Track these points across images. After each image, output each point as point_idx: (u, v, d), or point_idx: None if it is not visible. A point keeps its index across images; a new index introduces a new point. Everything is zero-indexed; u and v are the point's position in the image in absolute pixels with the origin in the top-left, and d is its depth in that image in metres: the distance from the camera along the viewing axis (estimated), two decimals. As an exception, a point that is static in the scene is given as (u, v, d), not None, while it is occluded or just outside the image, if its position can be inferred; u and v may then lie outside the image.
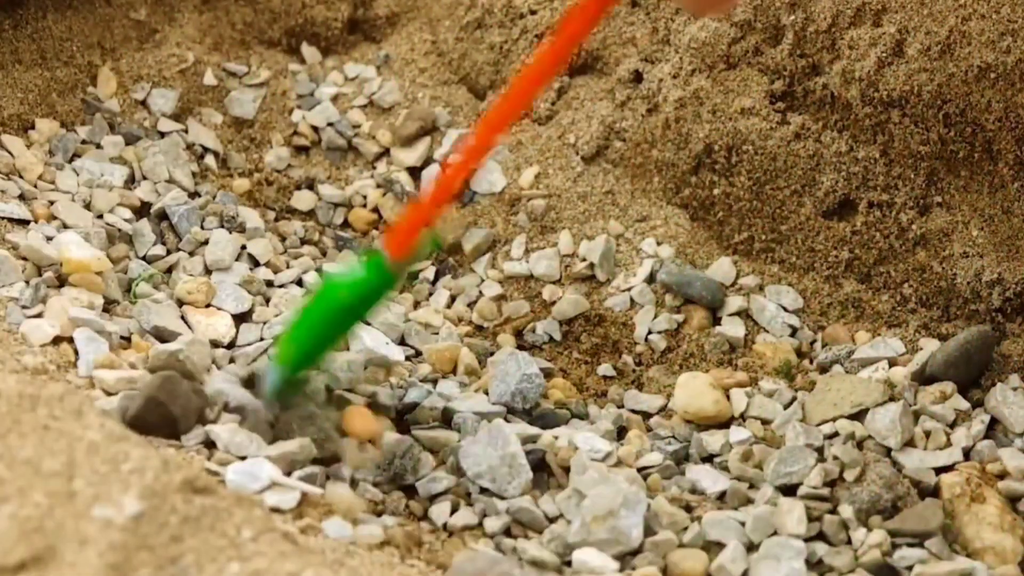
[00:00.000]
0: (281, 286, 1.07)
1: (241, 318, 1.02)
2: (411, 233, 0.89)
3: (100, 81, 1.16)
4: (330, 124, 1.19)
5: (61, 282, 0.99)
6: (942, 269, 1.02)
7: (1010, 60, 0.96)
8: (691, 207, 1.10)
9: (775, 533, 0.86)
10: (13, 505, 0.68)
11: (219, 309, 1.02)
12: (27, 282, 0.98)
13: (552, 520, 0.88)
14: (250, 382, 0.92)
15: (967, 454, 0.92)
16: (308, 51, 1.26)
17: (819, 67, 1.04)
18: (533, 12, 1.18)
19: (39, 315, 0.95)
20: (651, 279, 1.06)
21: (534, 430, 0.94)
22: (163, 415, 0.87)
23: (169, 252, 1.07)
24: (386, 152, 1.19)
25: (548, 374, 1.03)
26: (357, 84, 1.23)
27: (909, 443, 0.93)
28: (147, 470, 0.72)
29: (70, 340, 0.94)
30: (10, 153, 1.08)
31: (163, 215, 1.09)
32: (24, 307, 0.95)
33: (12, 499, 0.69)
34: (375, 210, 1.15)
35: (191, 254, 1.07)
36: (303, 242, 1.12)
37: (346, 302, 0.91)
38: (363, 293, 0.92)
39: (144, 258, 1.05)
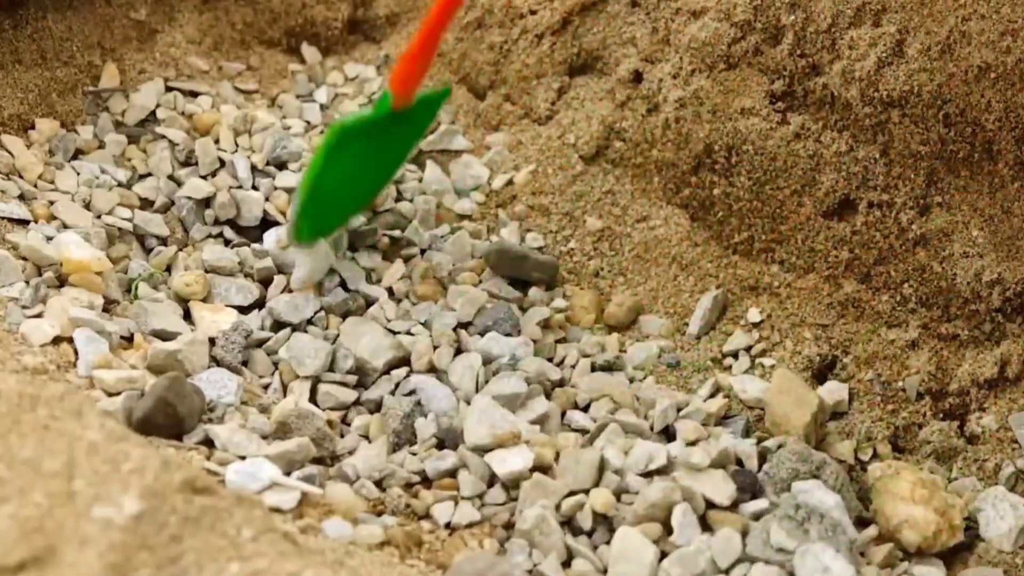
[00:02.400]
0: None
1: (249, 310, 1.03)
2: (410, 63, 0.93)
3: (105, 77, 1.16)
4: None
5: (61, 282, 0.99)
6: (942, 269, 1.02)
7: (1010, 60, 0.96)
8: (691, 207, 1.10)
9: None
10: (13, 505, 0.68)
11: (227, 306, 1.02)
12: (27, 282, 0.98)
13: None
14: None
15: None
16: (308, 51, 1.26)
17: (819, 67, 1.04)
18: (533, 12, 1.18)
19: (39, 315, 0.95)
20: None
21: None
22: (171, 416, 0.87)
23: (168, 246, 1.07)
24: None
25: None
26: (357, 84, 1.23)
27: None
28: (147, 470, 0.72)
29: (70, 340, 0.94)
30: (10, 153, 1.08)
31: (167, 210, 1.09)
32: (24, 307, 0.95)
33: (12, 499, 0.69)
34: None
35: (196, 247, 1.07)
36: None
37: (351, 131, 0.92)
38: (372, 126, 0.94)
39: (155, 246, 1.06)
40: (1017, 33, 0.95)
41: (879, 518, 0.92)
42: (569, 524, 0.89)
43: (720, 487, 0.90)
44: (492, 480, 0.91)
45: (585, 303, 1.08)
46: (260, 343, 1.00)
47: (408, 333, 1.03)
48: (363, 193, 1.03)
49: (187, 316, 1.01)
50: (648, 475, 0.91)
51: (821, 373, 1.04)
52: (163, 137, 1.13)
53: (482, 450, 0.92)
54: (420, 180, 1.16)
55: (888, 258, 1.04)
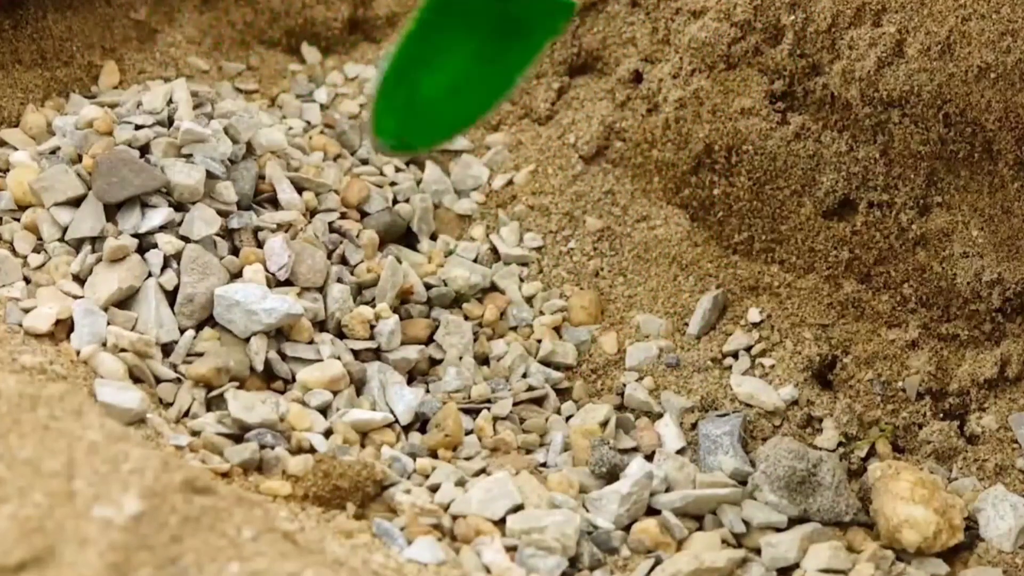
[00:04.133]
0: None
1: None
2: None
3: (104, 73, 1.16)
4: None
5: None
6: (942, 269, 1.02)
7: (1010, 60, 0.96)
8: (691, 207, 1.10)
9: None
10: (13, 505, 0.68)
11: None
12: (27, 280, 0.98)
13: None
14: None
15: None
16: (308, 51, 1.26)
17: (819, 67, 1.04)
18: (533, 12, 1.18)
19: (35, 307, 0.95)
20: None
21: None
22: None
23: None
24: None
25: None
26: (357, 84, 1.23)
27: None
28: (147, 470, 0.72)
29: (68, 336, 0.94)
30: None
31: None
32: (17, 299, 0.96)
33: (12, 499, 0.69)
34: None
35: None
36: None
37: None
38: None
39: None
40: (1017, 33, 0.95)
41: (879, 518, 0.92)
42: None
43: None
44: None
45: (585, 303, 1.08)
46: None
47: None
48: (472, 95, 0.78)
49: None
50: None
51: (821, 373, 1.04)
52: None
53: None
54: (419, 180, 1.16)
55: (888, 258, 1.04)
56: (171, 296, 0.98)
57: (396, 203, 1.13)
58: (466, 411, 0.99)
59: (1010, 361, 1.00)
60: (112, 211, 1.00)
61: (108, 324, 0.95)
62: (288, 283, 1.01)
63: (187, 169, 1.01)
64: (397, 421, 0.97)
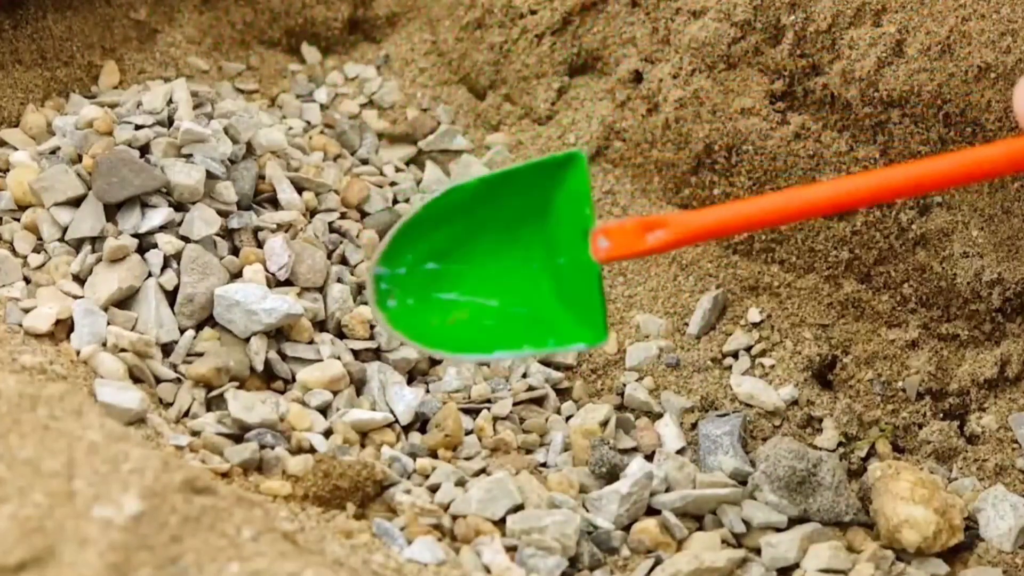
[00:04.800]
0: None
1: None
2: (634, 233, 0.79)
3: (104, 74, 1.16)
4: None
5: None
6: (942, 269, 1.02)
7: (1010, 60, 0.96)
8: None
9: None
10: (13, 505, 0.68)
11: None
12: (27, 280, 0.98)
13: None
14: None
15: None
16: (308, 51, 1.26)
17: (819, 67, 1.04)
18: (533, 12, 1.18)
19: (35, 307, 0.95)
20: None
21: None
22: None
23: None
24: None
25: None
26: (357, 84, 1.23)
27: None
28: (147, 470, 0.72)
29: (68, 336, 0.94)
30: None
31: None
32: (17, 299, 0.96)
33: (12, 499, 0.69)
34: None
35: None
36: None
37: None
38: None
39: None
40: (1017, 33, 0.95)
41: (879, 518, 0.92)
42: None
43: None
44: None
45: (585, 303, 1.08)
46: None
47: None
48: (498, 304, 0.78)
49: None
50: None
51: (821, 373, 1.04)
52: None
53: None
54: (419, 181, 1.16)
55: (888, 258, 1.04)
56: (171, 296, 0.98)
57: (396, 203, 1.13)
58: (466, 411, 0.99)
59: (1010, 361, 1.00)
60: (112, 211, 1.00)
61: (108, 324, 0.95)
62: (288, 283, 1.01)
63: (187, 169, 1.01)
64: (397, 421, 0.97)
